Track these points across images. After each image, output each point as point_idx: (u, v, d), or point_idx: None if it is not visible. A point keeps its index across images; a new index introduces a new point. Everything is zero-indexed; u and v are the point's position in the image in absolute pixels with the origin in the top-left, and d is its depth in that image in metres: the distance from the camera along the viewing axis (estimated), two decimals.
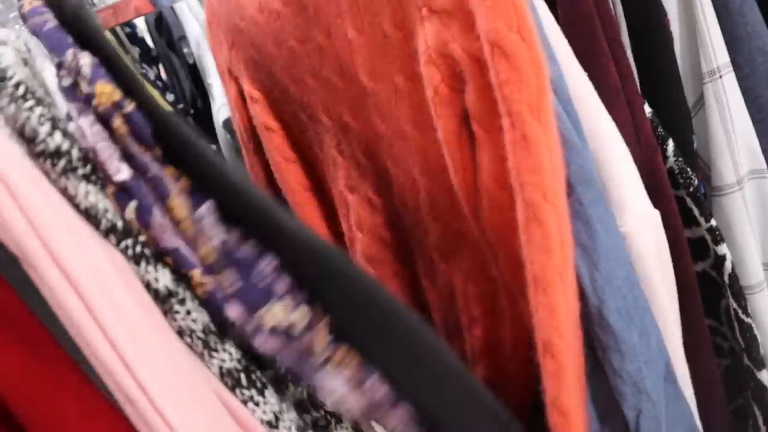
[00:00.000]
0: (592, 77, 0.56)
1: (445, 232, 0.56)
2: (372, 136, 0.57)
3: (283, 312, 0.38)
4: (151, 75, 1.26)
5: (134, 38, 1.28)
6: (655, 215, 0.53)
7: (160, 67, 1.28)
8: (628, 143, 0.58)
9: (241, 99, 0.72)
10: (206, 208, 0.39)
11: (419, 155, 0.53)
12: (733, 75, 0.65)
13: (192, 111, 1.24)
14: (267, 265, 0.39)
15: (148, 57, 1.28)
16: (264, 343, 0.38)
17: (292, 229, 0.39)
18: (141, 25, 1.30)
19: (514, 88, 0.39)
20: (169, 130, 0.38)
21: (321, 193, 0.73)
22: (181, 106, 1.24)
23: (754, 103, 0.68)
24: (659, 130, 0.62)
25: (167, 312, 0.38)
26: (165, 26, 1.22)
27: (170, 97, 1.25)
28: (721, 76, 0.64)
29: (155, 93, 0.41)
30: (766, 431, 0.68)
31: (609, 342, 0.47)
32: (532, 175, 0.40)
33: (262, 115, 0.69)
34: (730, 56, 0.65)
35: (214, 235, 0.39)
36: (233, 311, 0.38)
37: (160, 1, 1.06)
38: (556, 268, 0.41)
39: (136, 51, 1.27)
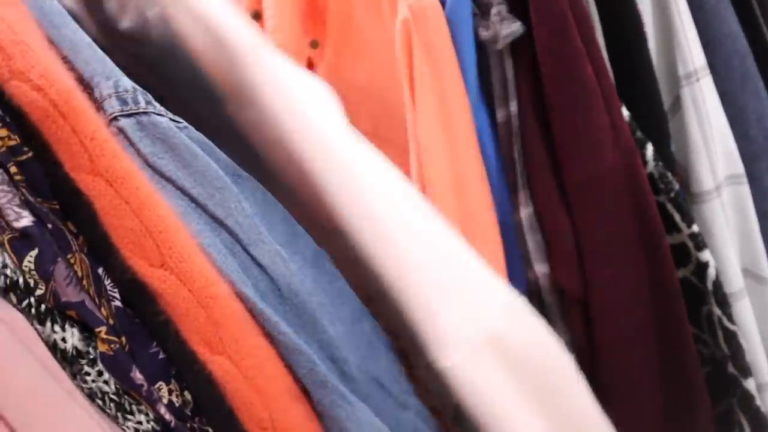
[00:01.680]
0: (567, 78, 0.54)
1: None
2: None
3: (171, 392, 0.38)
4: None
5: None
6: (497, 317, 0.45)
7: None
8: (607, 147, 0.57)
9: None
10: (103, 271, 0.37)
11: None
12: (710, 78, 0.64)
13: None
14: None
15: None
16: (165, 414, 0.37)
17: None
18: None
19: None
20: (66, 187, 0.36)
21: None
22: None
23: (731, 106, 0.66)
24: (637, 133, 0.60)
25: (76, 374, 0.35)
26: None
27: None
28: (698, 79, 0.63)
29: None
30: None
31: None
32: None
33: None
34: (706, 59, 0.64)
35: (114, 298, 0.37)
36: (138, 376, 0.36)
37: None
38: None
39: None
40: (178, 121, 0.41)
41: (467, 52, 0.54)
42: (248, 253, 0.40)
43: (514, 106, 0.57)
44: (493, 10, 0.52)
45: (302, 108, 0.43)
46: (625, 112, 0.60)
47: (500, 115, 0.57)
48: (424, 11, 0.48)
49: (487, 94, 0.57)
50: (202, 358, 0.37)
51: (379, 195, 0.43)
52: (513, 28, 0.52)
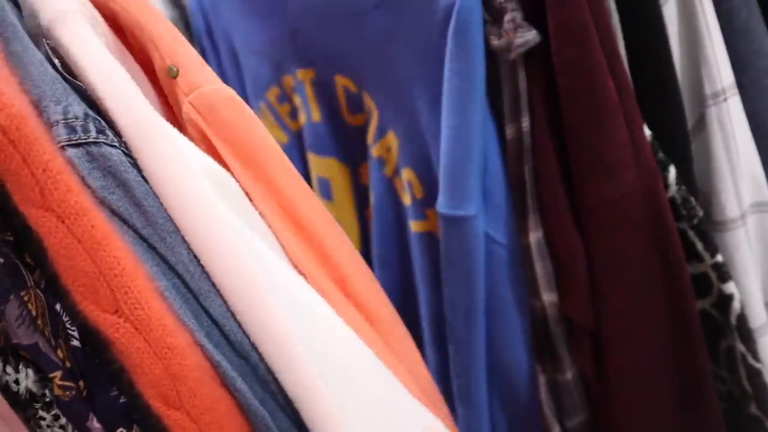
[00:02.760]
0: (586, 92, 0.50)
1: None
2: None
3: None
4: None
5: None
6: None
7: None
8: (627, 168, 0.53)
9: None
10: (61, 307, 0.34)
11: None
12: (738, 98, 0.60)
13: None
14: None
15: None
16: None
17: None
18: None
19: None
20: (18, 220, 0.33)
21: None
22: None
23: (759, 129, 0.62)
24: (660, 154, 0.56)
25: (30, 419, 0.33)
26: None
27: None
28: (725, 99, 0.59)
29: None
30: None
31: None
32: None
33: None
34: (734, 77, 0.60)
35: (72, 337, 0.34)
36: (96, 425, 0.34)
37: None
38: None
39: None
40: (131, 155, 0.37)
41: (477, 61, 0.50)
42: (200, 304, 0.37)
43: (526, 122, 0.53)
44: (507, 17, 0.48)
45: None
46: (647, 131, 0.56)
47: (510, 131, 0.53)
48: (210, 107, 0.42)
49: (495, 107, 0.53)
50: (158, 412, 0.34)
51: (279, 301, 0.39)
52: (528, 36, 0.48)
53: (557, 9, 0.48)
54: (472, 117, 0.53)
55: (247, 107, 0.44)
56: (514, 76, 0.51)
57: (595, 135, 0.51)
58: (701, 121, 0.61)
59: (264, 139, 0.43)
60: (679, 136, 0.59)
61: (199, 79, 0.43)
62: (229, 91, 0.44)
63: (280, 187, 0.43)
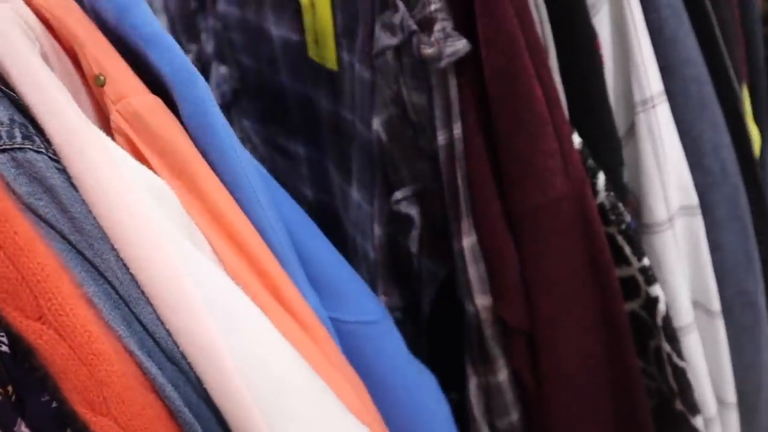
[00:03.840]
0: (514, 100, 0.50)
1: None
2: None
3: None
4: None
5: None
6: None
7: None
8: (556, 175, 0.53)
9: None
10: None
11: None
12: (667, 105, 0.61)
13: None
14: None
15: None
16: None
17: None
18: None
19: None
20: None
21: None
22: None
23: (687, 134, 0.64)
24: (589, 161, 0.57)
25: None
26: None
27: None
28: (654, 106, 0.60)
29: None
30: None
31: None
32: None
33: None
34: (663, 84, 0.61)
35: (1, 342, 0.34)
36: (23, 430, 0.33)
37: None
38: None
39: None
40: (58, 161, 0.37)
41: None
42: (131, 310, 0.37)
43: (458, 129, 0.53)
44: (437, 27, 0.48)
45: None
46: (577, 139, 0.57)
47: (442, 137, 0.53)
48: (137, 116, 0.42)
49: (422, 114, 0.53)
50: (84, 419, 0.34)
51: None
52: (458, 46, 0.48)
53: (486, 19, 0.48)
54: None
55: (173, 117, 0.43)
56: (445, 84, 0.51)
57: (523, 142, 0.52)
58: (632, 127, 0.62)
59: (191, 148, 0.43)
60: (609, 142, 0.60)
61: (126, 88, 0.43)
62: (155, 101, 0.43)
63: (210, 196, 0.43)
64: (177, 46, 0.43)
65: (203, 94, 0.43)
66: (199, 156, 0.43)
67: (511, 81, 0.49)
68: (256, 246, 0.44)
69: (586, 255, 0.57)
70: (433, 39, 0.48)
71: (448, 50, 0.48)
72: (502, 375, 0.60)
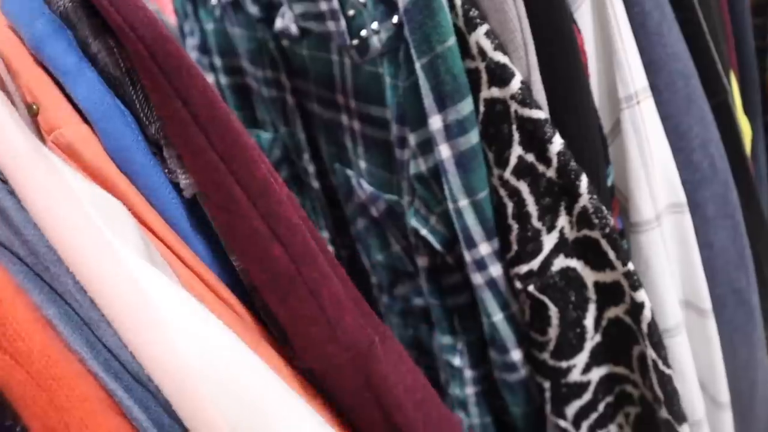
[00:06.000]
0: (254, 264, 0.44)
1: None
2: None
3: None
4: None
5: None
6: None
7: None
8: (322, 342, 0.45)
9: None
10: None
11: None
12: (652, 101, 0.58)
13: None
14: None
15: None
16: None
17: None
18: None
19: None
20: None
21: None
22: None
23: (674, 130, 0.61)
24: (571, 164, 0.54)
25: None
26: None
27: None
28: (638, 102, 0.58)
29: None
30: None
31: None
32: None
33: None
34: (649, 80, 0.58)
35: None
36: None
37: None
38: None
39: None
40: (6, 182, 0.36)
41: None
42: (93, 332, 0.35)
43: None
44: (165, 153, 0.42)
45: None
46: (559, 140, 0.54)
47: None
48: (69, 147, 0.41)
49: None
50: None
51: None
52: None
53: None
54: None
55: (100, 147, 0.42)
56: None
57: (279, 309, 0.43)
58: (617, 125, 0.60)
59: (120, 177, 0.42)
60: (593, 141, 0.57)
61: (58, 118, 0.42)
62: (86, 131, 0.42)
63: (148, 222, 0.42)
64: (96, 79, 0.41)
65: (122, 128, 0.42)
66: (130, 185, 0.42)
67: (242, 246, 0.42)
68: (202, 270, 0.44)
69: (378, 410, 0.48)
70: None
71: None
72: None
